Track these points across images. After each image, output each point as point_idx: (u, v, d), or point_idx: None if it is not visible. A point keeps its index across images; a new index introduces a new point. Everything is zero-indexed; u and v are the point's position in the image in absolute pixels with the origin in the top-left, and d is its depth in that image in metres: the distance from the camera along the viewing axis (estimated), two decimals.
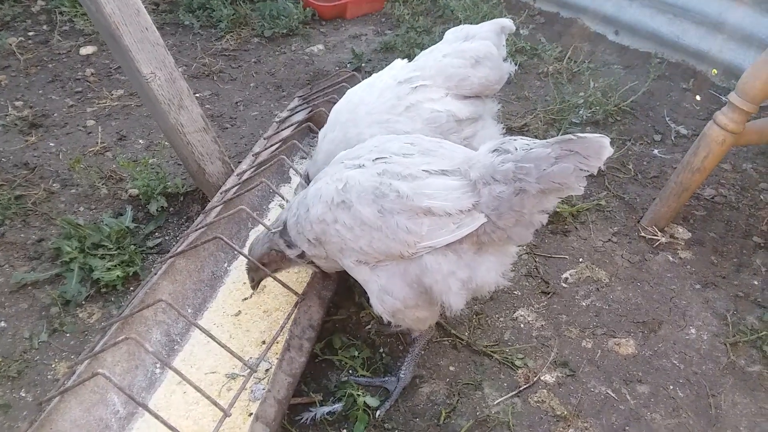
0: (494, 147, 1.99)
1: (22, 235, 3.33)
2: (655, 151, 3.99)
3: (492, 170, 1.93)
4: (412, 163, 2.09)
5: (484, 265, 2.09)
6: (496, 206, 1.95)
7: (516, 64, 2.77)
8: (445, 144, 2.24)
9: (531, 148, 1.87)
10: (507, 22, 2.72)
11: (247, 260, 2.55)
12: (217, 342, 2.12)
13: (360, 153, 2.26)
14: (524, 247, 3.25)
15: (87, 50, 5.24)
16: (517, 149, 1.91)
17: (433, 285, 2.09)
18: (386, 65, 2.90)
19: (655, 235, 3.30)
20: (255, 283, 2.63)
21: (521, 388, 2.61)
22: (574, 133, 1.79)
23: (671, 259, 3.22)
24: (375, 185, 2.06)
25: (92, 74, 4.95)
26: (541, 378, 2.65)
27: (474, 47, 2.65)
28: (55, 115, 4.42)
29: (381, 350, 2.77)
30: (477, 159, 2.02)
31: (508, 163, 1.89)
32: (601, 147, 1.76)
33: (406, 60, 2.86)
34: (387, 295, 2.17)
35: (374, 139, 2.38)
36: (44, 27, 5.61)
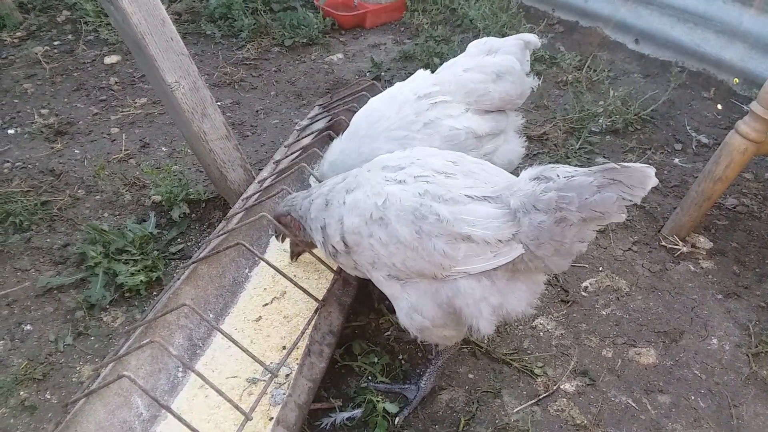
0: (536, 174, 1.94)
1: (47, 240, 3.40)
2: (676, 160, 3.98)
3: (534, 199, 1.90)
4: (454, 185, 2.06)
5: (515, 294, 2.07)
6: (536, 236, 1.92)
7: (535, 74, 2.76)
8: (487, 166, 2.21)
9: (573, 176, 1.83)
10: (532, 38, 2.71)
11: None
12: (239, 346, 2.15)
13: (402, 164, 2.21)
14: None
15: (111, 59, 5.35)
16: (559, 177, 1.87)
17: (464, 308, 2.08)
18: (405, 74, 2.92)
19: (676, 245, 3.29)
20: (294, 255, 2.76)
21: (541, 397, 2.60)
22: (617, 162, 1.76)
23: (693, 268, 3.20)
24: (415, 206, 2.03)
25: (116, 83, 5.04)
26: (561, 387, 2.65)
27: (496, 62, 2.65)
28: (80, 122, 4.51)
29: (400, 357, 2.78)
30: (518, 186, 1.98)
31: (551, 192, 1.85)
32: (645, 177, 1.72)
33: (428, 71, 2.86)
34: (416, 313, 2.17)
35: (417, 149, 2.35)
36: (69, 36, 5.74)
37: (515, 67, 2.62)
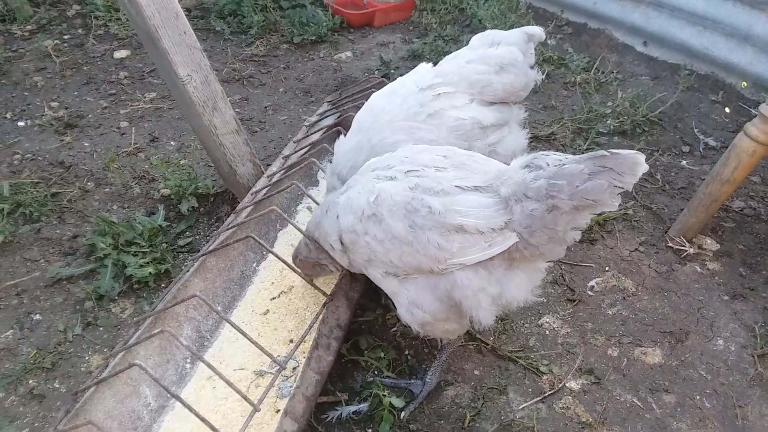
0: (526, 162, 1.96)
1: (57, 232, 3.42)
2: (684, 163, 3.98)
3: (524, 187, 1.90)
4: (444, 177, 2.07)
5: (514, 282, 2.08)
6: (529, 224, 1.92)
7: (543, 74, 2.76)
8: (477, 157, 2.21)
9: (564, 164, 1.83)
10: (536, 30, 2.71)
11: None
12: (247, 338, 2.16)
13: (391, 163, 2.23)
14: None
15: (121, 54, 5.38)
16: (549, 165, 1.87)
17: (463, 300, 2.08)
18: None
19: (683, 246, 3.29)
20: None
21: (546, 394, 2.61)
22: (607, 149, 1.77)
23: (699, 270, 3.20)
24: (407, 200, 2.04)
25: (126, 77, 5.07)
26: (566, 385, 2.66)
27: (498, 53, 2.64)
28: (90, 116, 4.53)
29: (407, 352, 2.79)
30: (509, 175, 1.99)
31: (540, 180, 1.86)
32: (635, 163, 1.73)
33: (431, 64, 2.84)
34: (416, 308, 2.18)
35: (406, 148, 2.36)
36: (79, 31, 5.76)
37: (518, 59, 2.62)
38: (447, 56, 2.84)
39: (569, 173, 1.81)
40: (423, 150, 2.27)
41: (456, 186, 2.03)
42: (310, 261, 2.57)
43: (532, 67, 2.71)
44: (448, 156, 2.18)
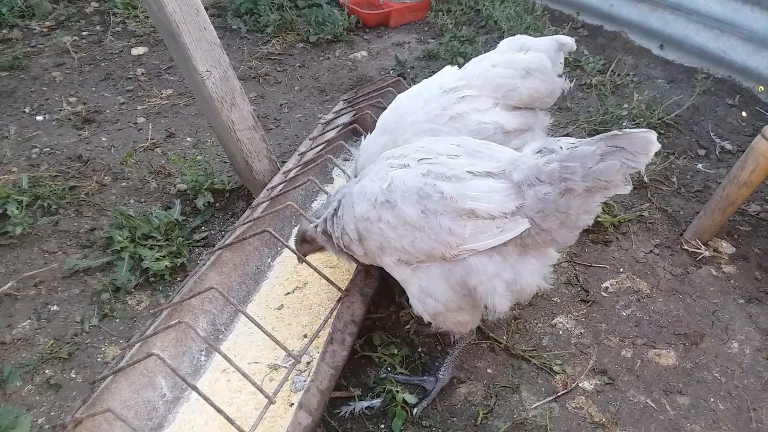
0: (539, 148, 1.97)
1: (75, 224, 3.46)
2: (699, 166, 3.96)
3: (537, 171, 1.92)
4: (456, 164, 2.09)
5: (527, 267, 2.09)
6: (542, 208, 1.94)
7: (570, 82, 2.75)
8: (492, 145, 2.23)
9: (576, 147, 1.86)
10: (567, 40, 2.69)
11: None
12: (263, 331, 2.17)
13: (405, 152, 2.26)
14: (564, 255, 3.25)
15: (138, 51, 5.43)
16: (561, 148, 1.89)
17: (478, 286, 2.09)
18: (429, 73, 2.92)
19: (699, 249, 3.28)
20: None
21: (559, 394, 2.61)
22: (619, 129, 1.76)
23: (714, 273, 3.19)
24: (419, 185, 2.06)
25: (143, 74, 5.11)
26: (580, 385, 2.65)
27: (526, 58, 2.63)
28: (107, 111, 4.58)
29: (420, 349, 2.80)
30: (521, 160, 2.01)
31: (554, 164, 1.88)
32: (647, 142, 1.74)
33: (456, 67, 2.85)
34: (429, 297, 2.19)
35: (421, 140, 2.39)
36: (98, 27, 5.83)
37: (546, 66, 2.61)
38: (474, 59, 2.83)
39: (582, 155, 1.83)
40: (437, 140, 2.30)
41: (468, 171, 2.05)
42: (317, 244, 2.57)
43: (560, 76, 2.70)
44: (462, 144, 2.21)
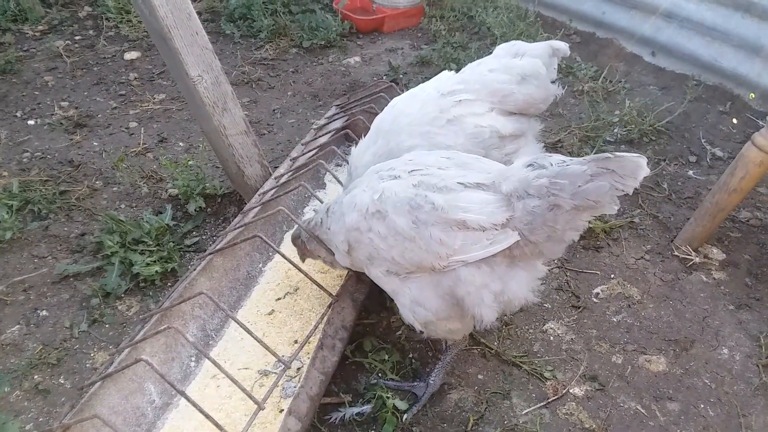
0: (529, 162, 1.99)
1: (65, 229, 3.44)
2: (690, 172, 3.98)
3: (526, 184, 1.94)
4: (447, 175, 2.11)
5: (515, 279, 2.10)
6: (530, 221, 1.95)
7: (563, 88, 2.76)
8: (482, 159, 2.26)
9: (567, 165, 1.88)
10: (561, 45, 2.70)
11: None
12: (254, 337, 2.17)
13: (395, 165, 2.28)
14: (555, 261, 3.26)
15: (131, 55, 5.42)
16: (552, 165, 1.92)
17: (466, 297, 2.10)
18: (422, 79, 2.92)
19: (689, 255, 3.29)
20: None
21: (550, 400, 2.61)
22: (611, 152, 1.79)
23: (705, 279, 3.20)
24: (411, 196, 2.08)
25: (135, 78, 5.10)
26: (570, 391, 2.65)
27: (522, 64, 2.64)
28: (99, 116, 4.56)
29: (411, 355, 2.79)
30: (511, 173, 2.02)
31: (543, 179, 1.90)
32: (637, 167, 1.76)
33: (452, 72, 2.86)
34: (419, 306, 2.19)
35: (411, 153, 2.39)
36: (90, 32, 5.82)
37: (540, 72, 2.62)
38: (470, 64, 2.84)
39: (572, 173, 1.84)
40: (426, 153, 2.32)
41: (459, 183, 2.06)
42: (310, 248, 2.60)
43: (553, 82, 2.71)
44: (451, 157, 2.23)
